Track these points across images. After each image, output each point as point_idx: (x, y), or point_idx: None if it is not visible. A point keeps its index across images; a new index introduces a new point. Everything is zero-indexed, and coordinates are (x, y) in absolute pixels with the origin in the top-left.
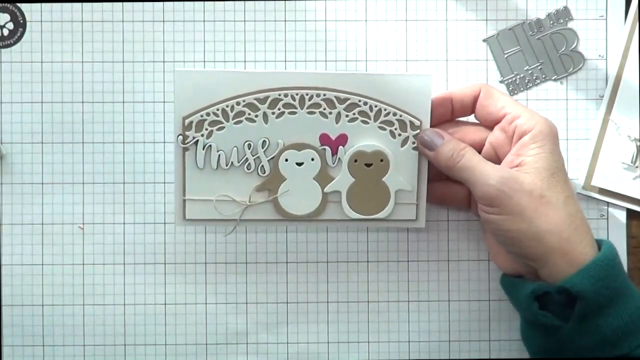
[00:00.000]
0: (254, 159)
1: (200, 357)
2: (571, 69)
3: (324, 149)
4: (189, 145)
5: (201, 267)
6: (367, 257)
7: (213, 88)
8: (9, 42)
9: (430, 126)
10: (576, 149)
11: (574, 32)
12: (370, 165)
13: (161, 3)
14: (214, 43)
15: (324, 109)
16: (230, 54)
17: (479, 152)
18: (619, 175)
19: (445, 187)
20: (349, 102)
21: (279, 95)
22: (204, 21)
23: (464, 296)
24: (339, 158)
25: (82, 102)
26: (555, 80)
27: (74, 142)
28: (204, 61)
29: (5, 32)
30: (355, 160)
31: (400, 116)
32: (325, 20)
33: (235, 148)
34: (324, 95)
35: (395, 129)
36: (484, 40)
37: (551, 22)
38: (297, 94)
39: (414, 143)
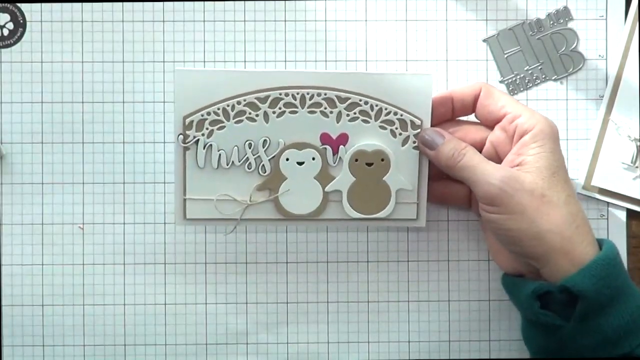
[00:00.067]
0: (255, 158)
1: (200, 357)
2: (571, 69)
3: (325, 148)
4: (189, 145)
5: (201, 267)
6: (367, 257)
7: (213, 87)
8: (9, 42)
9: (431, 125)
10: (576, 149)
11: (574, 32)
12: (371, 165)
13: (161, 3)
14: (214, 43)
15: (325, 108)
16: (230, 54)
17: (480, 152)
18: (619, 175)
19: (446, 186)
20: (349, 101)
21: (280, 94)
22: (204, 21)
23: (464, 296)
24: (340, 157)
25: (82, 102)
26: (555, 80)
27: (74, 142)
28: (204, 61)
29: (5, 32)
30: (356, 160)
31: (401, 115)
32: (325, 20)
33: (235, 147)
34: (325, 94)
35: (396, 129)
36: (484, 40)
37: (551, 22)
38: (297, 93)
39: (414, 142)
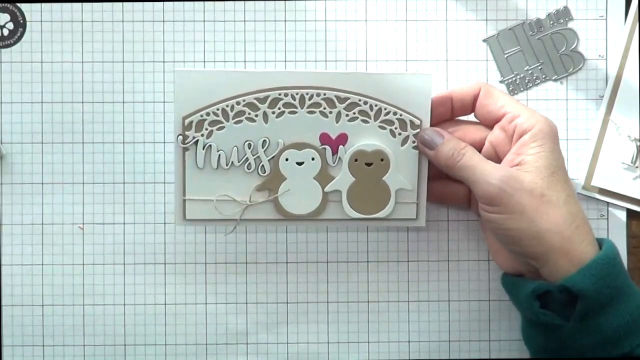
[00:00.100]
0: (254, 159)
1: (200, 357)
2: (571, 69)
3: (324, 148)
4: (189, 145)
5: (201, 267)
6: (367, 257)
7: (213, 88)
8: (9, 42)
9: (430, 125)
10: (576, 149)
11: (574, 32)
12: (370, 165)
13: (161, 3)
14: (214, 43)
15: (324, 108)
16: (230, 54)
17: (479, 151)
18: (619, 175)
19: (445, 186)
20: (349, 101)
21: (279, 94)
22: (204, 21)
23: (464, 296)
24: (339, 157)
25: (82, 102)
26: (555, 80)
27: (74, 142)
28: (204, 61)
29: (5, 32)
30: (356, 160)
31: (401, 115)
32: (325, 20)
33: (235, 148)
34: (324, 94)
35: (396, 128)
36: (484, 40)
37: (551, 22)
38: (297, 94)
39: (414, 142)
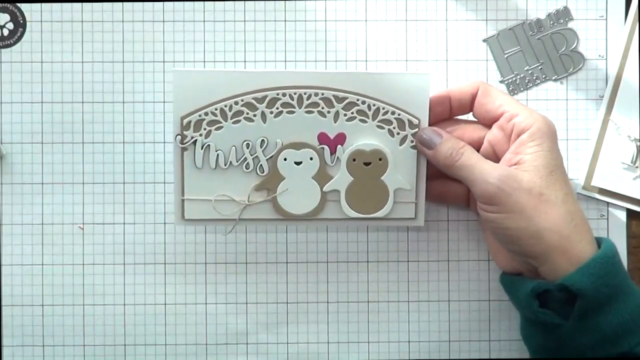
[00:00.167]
0: (253, 159)
1: (200, 357)
2: (571, 69)
3: (323, 148)
4: (187, 145)
5: (201, 267)
6: (367, 257)
7: (211, 88)
8: (9, 42)
9: (429, 125)
10: (576, 149)
11: (574, 32)
12: (368, 164)
13: (161, 3)
14: (214, 43)
15: (322, 108)
16: (230, 54)
17: (478, 151)
18: (619, 175)
19: (444, 185)
20: (347, 101)
21: (277, 94)
22: (204, 21)
23: (464, 296)
24: (338, 157)
25: (82, 102)
26: (555, 80)
27: (74, 142)
28: (204, 61)
29: (5, 32)
30: (354, 159)
31: (399, 115)
32: (325, 20)
33: (233, 147)
34: (322, 94)
35: (394, 128)
36: (484, 40)
37: (551, 22)
38: (295, 93)
39: (412, 142)
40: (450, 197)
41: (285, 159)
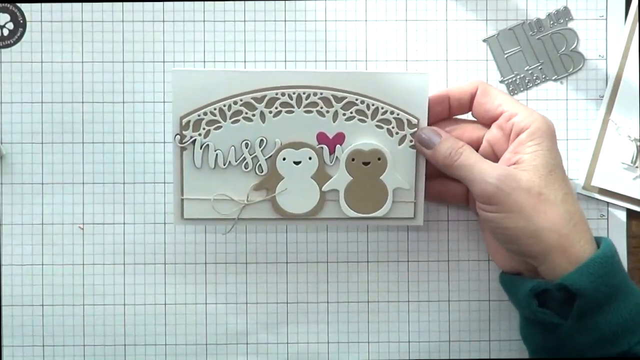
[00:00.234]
0: (252, 158)
1: (200, 357)
2: (571, 69)
3: (322, 147)
4: (186, 145)
5: (201, 267)
6: (367, 257)
7: (210, 87)
8: (9, 42)
9: (428, 124)
10: (576, 149)
11: (574, 32)
12: (367, 164)
13: (161, 3)
14: (214, 43)
15: (321, 107)
16: (230, 54)
17: (477, 150)
18: (619, 175)
19: (443, 184)
20: (346, 100)
21: (276, 94)
22: (204, 21)
23: (464, 296)
24: (337, 157)
25: (82, 102)
26: (555, 80)
27: (74, 142)
28: (204, 61)
29: (5, 32)
30: (353, 159)
31: (398, 114)
32: (325, 20)
33: (232, 147)
34: (321, 94)
35: (393, 128)
36: (484, 40)
37: (551, 22)
38: (294, 93)
39: (411, 141)
40: (450, 196)
41: (284, 159)
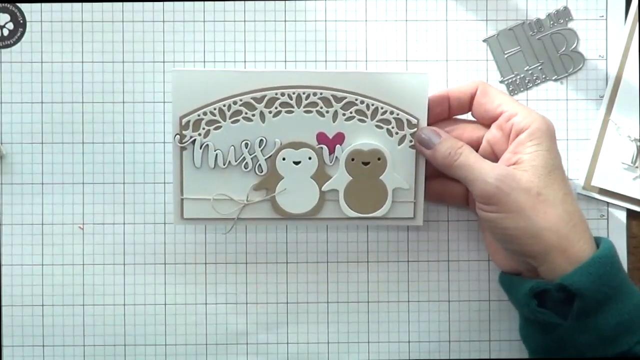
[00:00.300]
0: (251, 158)
1: (200, 357)
2: (571, 69)
3: (321, 147)
4: (186, 145)
5: (201, 267)
6: (367, 257)
7: (210, 87)
8: (9, 42)
9: (428, 124)
10: (576, 149)
11: (574, 32)
12: (367, 164)
13: (161, 3)
14: (214, 43)
15: (321, 107)
16: (230, 54)
17: (476, 150)
18: (619, 175)
19: (443, 184)
20: (345, 100)
21: (276, 94)
22: (204, 21)
23: (464, 296)
24: (336, 157)
25: (82, 102)
26: (555, 80)
27: (74, 142)
28: (204, 61)
29: (5, 32)
30: (353, 159)
31: (397, 114)
32: (325, 20)
33: (232, 147)
34: (321, 94)
35: (392, 128)
36: (484, 40)
37: (551, 22)
38: (293, 93)
39: (411, 141)
40: (449, 196)
41: (283, 159)
